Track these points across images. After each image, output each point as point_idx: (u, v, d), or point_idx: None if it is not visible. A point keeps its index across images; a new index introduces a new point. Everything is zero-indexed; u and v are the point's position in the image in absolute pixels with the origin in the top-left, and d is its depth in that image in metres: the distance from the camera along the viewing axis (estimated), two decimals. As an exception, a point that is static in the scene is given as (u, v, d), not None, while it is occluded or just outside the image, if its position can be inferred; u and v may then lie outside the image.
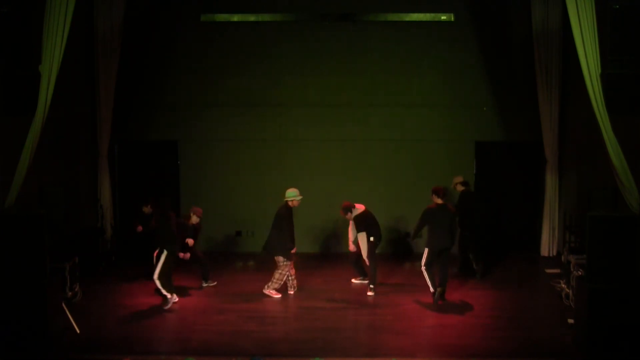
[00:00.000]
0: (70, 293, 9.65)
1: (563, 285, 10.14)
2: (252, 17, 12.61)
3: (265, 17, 12.62)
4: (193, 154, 12.94)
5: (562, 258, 10.67)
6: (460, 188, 11.30)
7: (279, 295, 10.24)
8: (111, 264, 11.90)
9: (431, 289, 9.88)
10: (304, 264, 11.89)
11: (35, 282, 8.29)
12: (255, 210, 12.69)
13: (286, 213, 10.29)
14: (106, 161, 12.44)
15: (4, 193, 8.48)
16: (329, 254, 12.78)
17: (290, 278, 10.41)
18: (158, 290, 9.74)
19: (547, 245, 12.42)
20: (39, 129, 8.40)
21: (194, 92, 12.78)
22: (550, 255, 12.37)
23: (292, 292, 10.42)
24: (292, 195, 10.25)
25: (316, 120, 12.77)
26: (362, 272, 10.87)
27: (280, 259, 10.17)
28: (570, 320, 8.90)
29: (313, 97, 12.74)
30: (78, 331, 8.80)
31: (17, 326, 8.24)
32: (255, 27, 12.64)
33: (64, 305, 8.94)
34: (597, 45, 8.10)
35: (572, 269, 9.56)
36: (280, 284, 10.29)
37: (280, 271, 10.21)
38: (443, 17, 12.46)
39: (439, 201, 9.88)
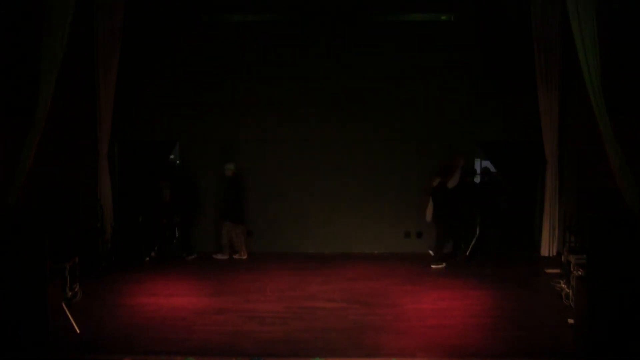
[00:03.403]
0: (70, 293, 9.65)
1: (563, 285, 10.15)
2: (252, 17, 12.61)
3: (266, 17, 12.61)
4: (193, 154, 12.94)
5: (562, 258, 10.68)
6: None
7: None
8: (111, 264, 11.89)
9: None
10: (304, 264, 11.89)
11: (35, 282, 8.29)
12: (254, 210, 12.69)
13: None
14: (106, 161, 12.44)
15: (4, 193, 8.48)
16: (329, 254, 12.77)
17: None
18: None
19: (547, 245, 12.43)
20: (39, 129, 8.40)
21: (194, 92, 12.78)
22: (550, 255, 12.37)
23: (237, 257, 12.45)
24: (233, 167, 12.28)
25: (316, 120, 12.77)
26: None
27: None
28: (570, 320, 8.90)
29: (313, 97, 12.74)
30: (78, 331, 8.80)
31: (17, 326, 8.24)
32: (255, 27, 12.64)
33: (64, 305, 8.94)
34: (597, 46, 8.10)
35: (572, 269, 9.56)
36: None
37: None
38: (443, 17, 12.46)
39: (439, 180, 11.78)
